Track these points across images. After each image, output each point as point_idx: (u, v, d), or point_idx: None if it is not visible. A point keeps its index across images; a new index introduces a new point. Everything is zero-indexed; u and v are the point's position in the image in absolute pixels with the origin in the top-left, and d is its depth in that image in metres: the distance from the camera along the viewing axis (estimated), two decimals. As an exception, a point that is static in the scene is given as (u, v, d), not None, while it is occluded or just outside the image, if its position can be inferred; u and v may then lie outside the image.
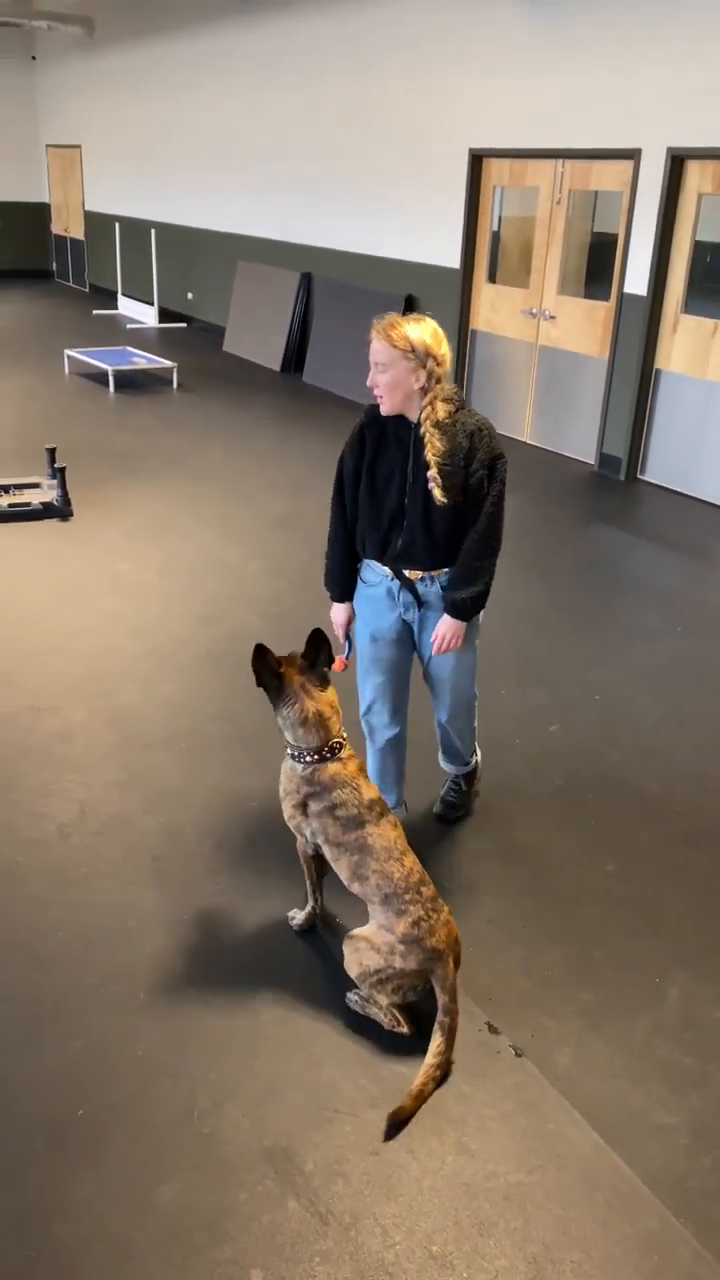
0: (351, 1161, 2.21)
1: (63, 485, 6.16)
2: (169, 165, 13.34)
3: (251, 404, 9.29)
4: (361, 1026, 2.55)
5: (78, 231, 16.47)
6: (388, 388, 2.76)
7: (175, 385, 9.79)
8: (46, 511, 6.11)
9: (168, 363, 9.90)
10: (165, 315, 13.53)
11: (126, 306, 14.14)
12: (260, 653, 2.59)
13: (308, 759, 2.62)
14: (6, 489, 6.26)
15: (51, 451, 6.36)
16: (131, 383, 9.81)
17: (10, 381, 9.63)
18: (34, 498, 6.16)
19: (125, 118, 14.27)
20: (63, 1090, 2.35)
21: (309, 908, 2.88)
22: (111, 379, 9.53)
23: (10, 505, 6.05)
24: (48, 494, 6.21)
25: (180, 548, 5.78)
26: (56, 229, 17.38)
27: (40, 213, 17.49)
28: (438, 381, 2.75)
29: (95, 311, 14.20)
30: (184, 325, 13.35)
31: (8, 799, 3.43)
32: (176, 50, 12.54)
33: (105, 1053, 2.45)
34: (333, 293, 10.30)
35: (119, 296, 14.39)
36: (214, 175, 12.30)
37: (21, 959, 2.73)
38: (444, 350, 2.74)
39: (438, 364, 2.73)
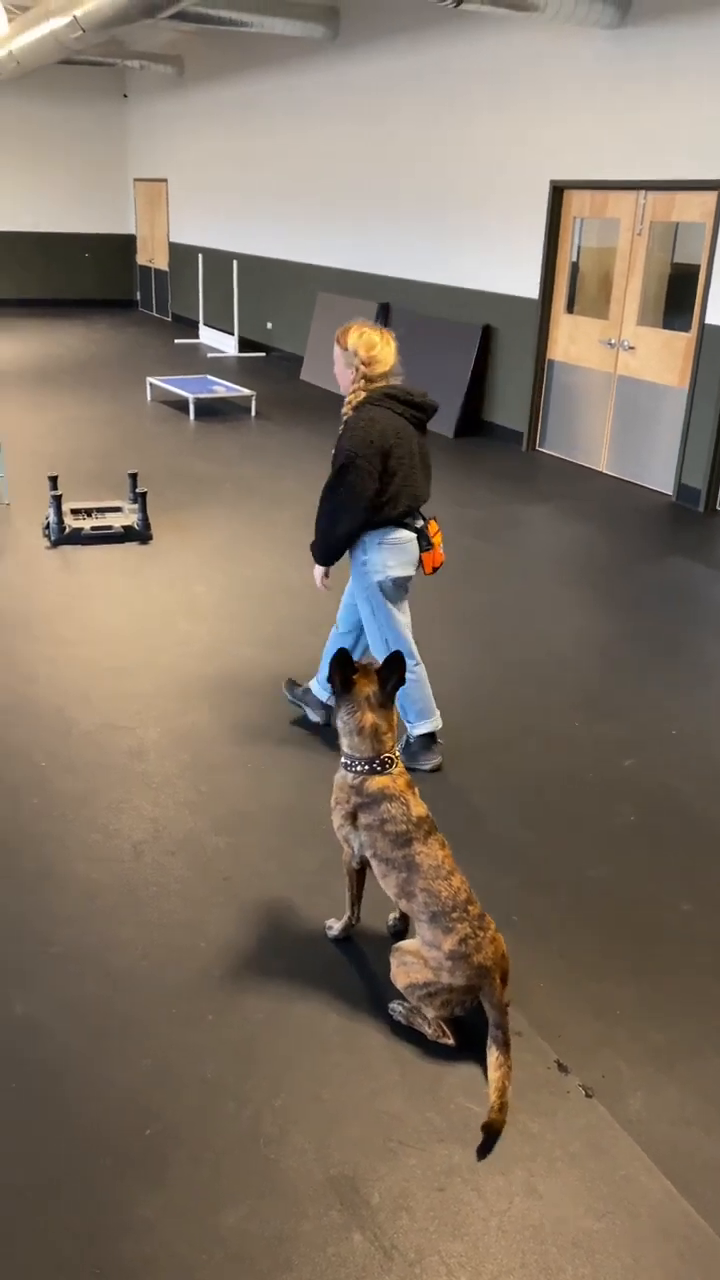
0: (417, 1196, 2.18)
1: (143, 509, 6.28)
2: (251, 197, 13.62)
3: (327, 432, 9.38)
4: (427, 1056, 2.52)
5: (162, 263, 16.89)
6: (337, 375, 3.56)
7: (253, 413, 9.94)
8: (127, 535, 6.24)
9: (246, 391, 10.06)
10: (245, 344, 13.77)
11: (207, 336, 14.42)
12: (342, 658, 2.68)
13: (359, 768, 2.68)
14: (89, 512, 6.40)
15: (133, 476, 6.50)
16: (211, 410, 9.99)
17: (95, 408, 9.88)
18: (115, 521, 6.29)
19: (210, 152, 14.63)
20: (130, 1109, 2.36)
21: (346, 918, 2.91)
22: (191, 406, 9.71)
23: (93, 528, 6.19)
24: (129, 518, 6.34)
25: (253, 572, 5.84)
26: (142, 260, 17.85)
27: (127, 244, 17.99)
28: (366, 379, 3.44)
29: (177, 340, 14.51)
30: (263, 354, 13.57)
31: (84, 815, 3.48)
32: (262, 86, 12.83)
33: (172, 1073, 2.46)
34: (410, 323, 10.38)
35: (200, 326, 14.70)
36: (295, 207, 12.52)
37: (93, 974, 2.76)
38: (375, 354, 3.41)
39: (364, 365, 3.42)
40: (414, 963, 2.54)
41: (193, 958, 2.84)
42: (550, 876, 3.27)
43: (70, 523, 6.19)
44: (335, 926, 2.93)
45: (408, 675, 3.67)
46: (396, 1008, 2.65)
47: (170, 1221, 2.11)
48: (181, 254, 16.00)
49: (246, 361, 13.11)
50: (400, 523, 3.56)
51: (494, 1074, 2.39)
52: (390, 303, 10.74)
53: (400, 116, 10.20)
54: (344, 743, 2.72)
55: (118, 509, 6.49)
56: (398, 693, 2.81)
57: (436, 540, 3.64)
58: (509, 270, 9.03)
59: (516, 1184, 2.22)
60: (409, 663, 3.67)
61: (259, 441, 8.94)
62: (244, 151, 13.63)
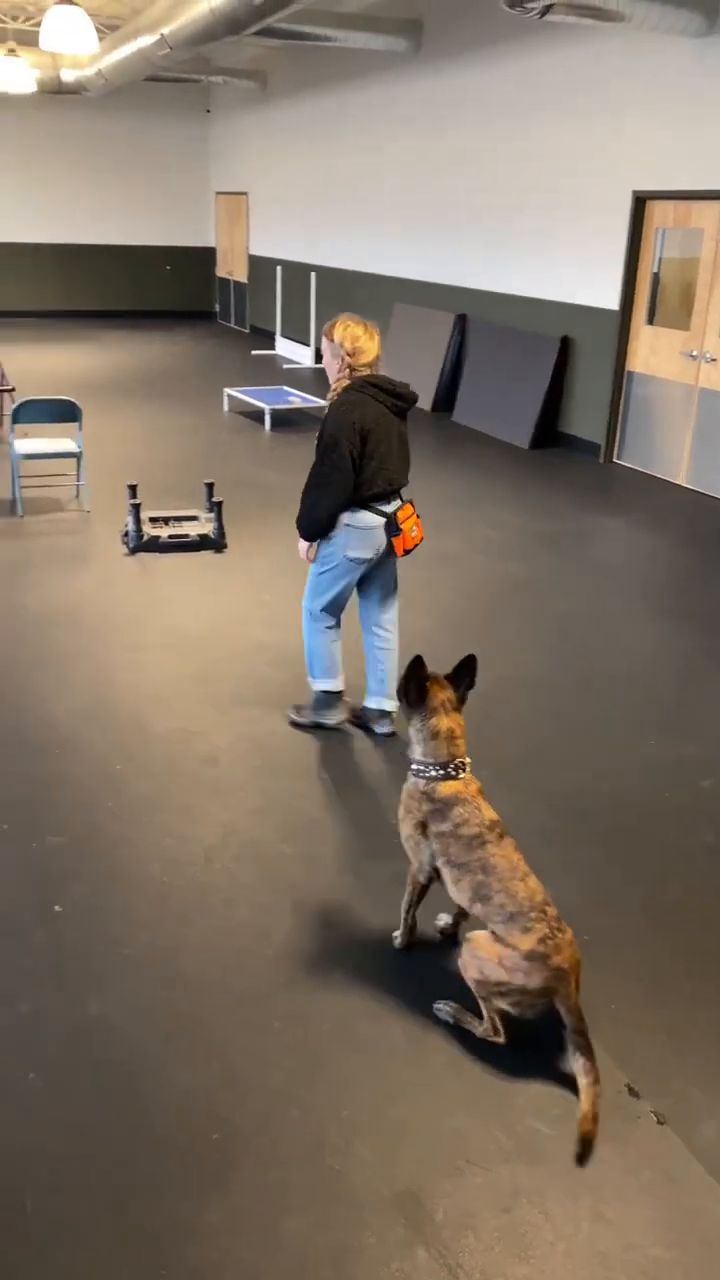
0: (483, 1216, 2.15)
1: (219, 518, 6.36)
2: (330, 210, 13.74)
3: (402, 442, 9.38)
4: (495, 1075, 2.50)
5: (241, 275, 17.12)
6: (325, 365, 3.85)
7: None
8: (203, 543, 6.32)
9: (322, 401, 10.12)
10: (320, 356, 13.88)
11: (284, 347, 14.57)
12: (417, 662, 2.70)
13: (432, 773, 2.68)
14: (167, 520, 6.50)
15: (209, 486, 6.59)
16: (286, 421, 10.08)
17: (173, 418, 10.05)
18: (192, 530, 6.38)
19: (291, 165, 14.80)
20: (197, 1113, 2.38)
21: (405, 925, 2.91)
22: (268, 417, 9.81)
23: (170, 536, 6.28)
24: (205, 526, 6.42)
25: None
26: (221, 272, 18.11)
27: (206, 257, 18.28)
28: (351, 369, 3.73)
29: (254, 352, 14.68)
30: (338, 365, 13.65)
31: (157, 819, 3.53)
32: (343, 100, 12.94)
33: (239, 1078, 2.48)
34: (487, 334, 10.35)
35: (277, 337, 14.85)
36: (373, 219, 12.59)
37: (164, 977, 2.79)
38: (359, 346, 3.73)
39: (350, 355, 3.73)
40: (488, 959, 2.52)
41: (261, 964, 2.86)
42: (622, 896, 3.21)
43: (148, 530, 6.29)
44: (400, 938, 2.93)
45: (330, 634, 4.08)
46: (443, 1008, 2.66)
47: (236, 1226, 2.12)
48: (260, 266, 16.20)
49: (322, 372, 13.19)
50: (370, 505, 3.82)
51: (582, 1080, 2.38)
52: (467, 314, 10.72)
53: (481, 128, 10.20)
54: (416, 750, 2.73)
55: (194, 517, 6.58)
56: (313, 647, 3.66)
57: (406, 525, 3.87)
58: (588, 281, 8.96)
59: (585, 1209, 2.18)
60: (329, 623, 4.07)
61: (334, 452, 8.97)
62: (324, 164, 13.76)
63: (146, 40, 10.32)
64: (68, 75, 13.89)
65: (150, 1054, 2.54)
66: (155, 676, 4.61)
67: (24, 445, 6.90)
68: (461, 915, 2.94)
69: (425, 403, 10.99)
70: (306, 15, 9.87)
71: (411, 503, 3.93)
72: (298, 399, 10.17)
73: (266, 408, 9.81)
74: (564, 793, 3.79)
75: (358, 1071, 2.51)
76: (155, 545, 6.27)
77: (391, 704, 4.11)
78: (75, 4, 8.15)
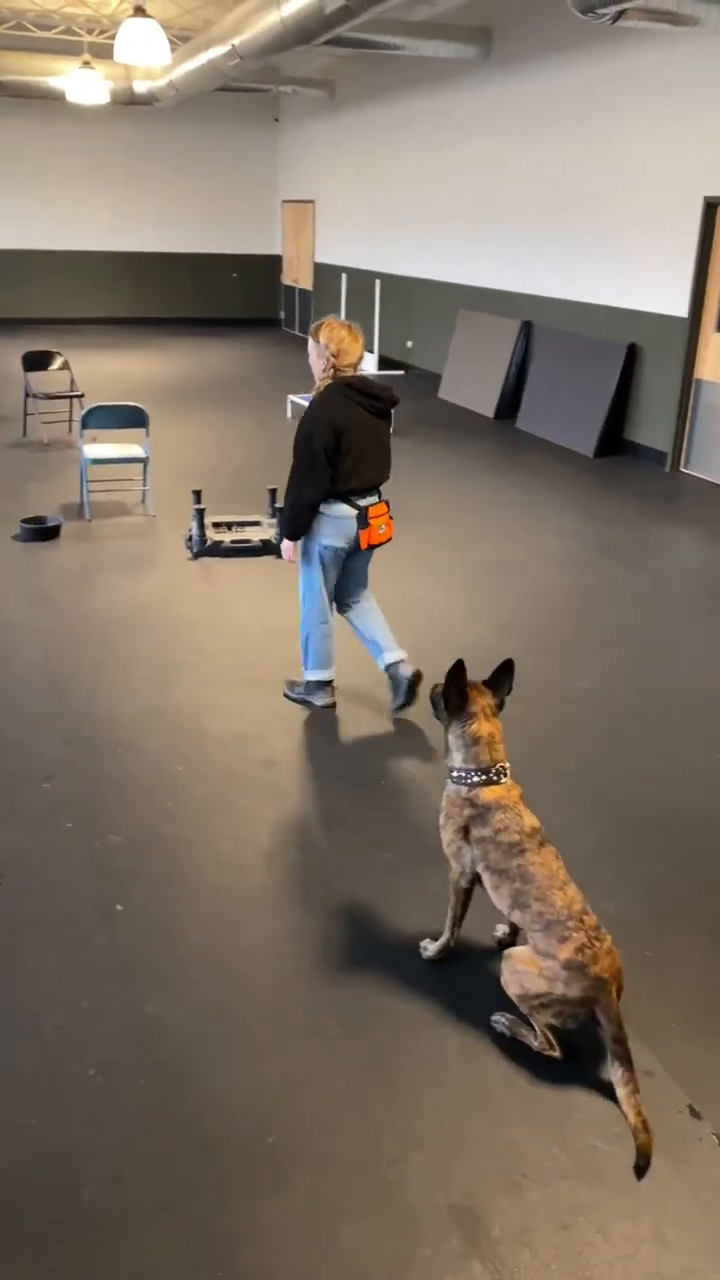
0: (539, 1232, 2.13)
1: (280, 524, 6.39)
2: (396, 217, 13.76)
3: (463, 449, 9.37)
4: (552, 1089, 2.47)
5: (306, 282, 17.23)
6: (311, 364, 4.04)
7: (390, 431, 9.99)
8: (265, 549, 6.36)
9: (385, 408, 10.12)
10: (384, 363, 13.88)
11: (347, 353, 14.60)
12: (459, 668, 2.73)
13: (474, 778, 2.68)
14: (230, 526, 6.56)
15: (272, 492, 6.63)
16: (349, 426, 10.09)
17: (237, 424, 10.14)
18: (254, 535, 6.42)
19: (357, 173, 14.86)
20: (253, 1115, 2.39)
21: (444, 939, 2.88)
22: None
23: (233, 541, 6.34)
24: (267, 532, 6.46)
25: (386, 588, 5.84)
26: (287, 280, 18.25)
27: (272, 264, 18.42)
28: (335, 369, 3.93)
29: (318, 358, 14.74)
30: (401, 372, 13.66)
31: (216, 821, 3.55)
32: (410, 107, 12.97)
33: (296, 1083, 2.48)
34: (553, 341, 10.28)
35: (341, 344, 14.89)
36: (439, 226, 12.59)
37: (220, 979, 2.81)
38: (342, 348, 3.92)
39: (334, 356, 3.92)
40: (527, 972, 2.52)
41: (317, 971, 2.86)
42: (684, 912, 3.15)
43: (211, 535, 6.35)
44: (432, 948, 2.90)
45: (322, 629, 4.28)
46: (500, 1019, 2.64)
47: (291, 1231, 2.12)
48: (325, 274, 16.28)
49: (385, 379, 13.20)
50: (346, 498, 4.03)
51: (622, 1091, 2.35)
52: (532, 320, 10.66)
53: (549, 134, 10.14)
54: (456, 756, 2.74)
55: (256, 523, 6.63)
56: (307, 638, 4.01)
57: (375, 521, 4.09)
58: (656, 288, 8.84)
59: (645, 1230, 2.14)
60: (321, 620, 4.27)
61: (395, 459, 8.97)
62: (390, 172, 13.79)
63: (218, 51, 10.45)
64: (140, 86, 14.11)
65: (206, 1055, 2.55)
66: (215, 680, 4.65)
67: (92, 450, 7.02)
68: (516, 925, 2.92)
69: (488, 409, 10.94)
70: (376, 24, 9.90)
71: (387, 503, 4.15)
72: (360, 406, 10.18)
73: (329, 414, 9.83)
74: (625, 805, 3.74)
75: (414, 1081, 2.49)
76: (218, 550, 6.33)
77: (400, 652, 4.34)
78: (149, 16, 8.27)
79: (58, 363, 9.33)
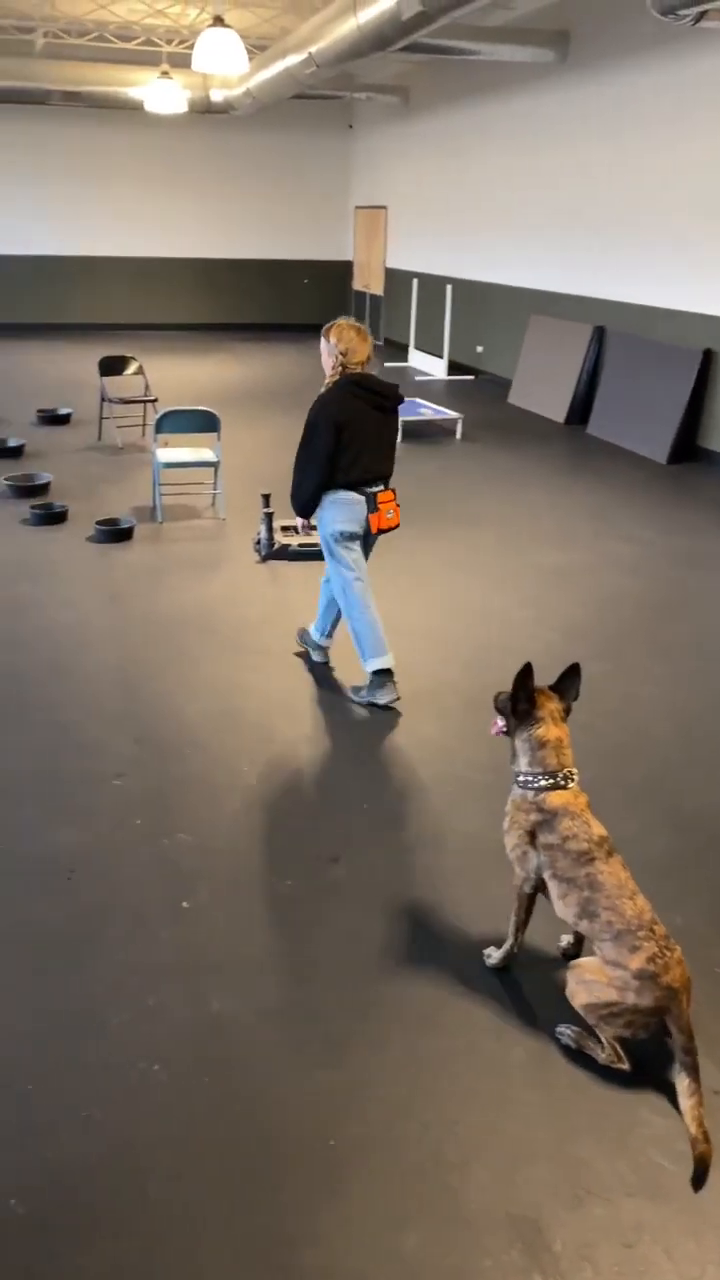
0: (602, 1249, 2.10)
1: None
2: (468, 222, 13.74)
3: (533, 455, 9.30)
4: (618, 1104, 2.43)
5: (377, 288, 17.28)
6: (323, 363, 4.31)
7: (459, 435, 9.99)
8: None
9: (453, 414, 10.12)
10: (454, 368, 13.87)
11: (417, 359, 14.62)
12: (528, 671, 2.72)
13: (541, 783, 2.67)
14: (297, 529, 6.58)
15: (341, 495, 6.65)
16: (417, 433, 10.11)
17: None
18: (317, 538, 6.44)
19: (430, 178, 14.86)
20: (315, 1117, 2.40)
21: (508, 946, 2.86)
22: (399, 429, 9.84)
23: (300, 545, 6.38)
24: (334, 535, 6.49)
25: (451, 593, 5.85)
26: (358, 285, 18.33)
27: (343, 270, 18.52)
28: (344, 367, 4.21)
29: (387, 364, 14.78)
30: (471, 377, 13.63)
31: (281, 823, 3.58)
32: (485, 112, 12.94)
33: (358, 1087, 2.48)
34: (626, 346, 10.16)
35: (411, 350, 14.92)
36: (511, 230, 12.53)
37: (285, 981, 2.83)
38: (351, 347, 4.21)
39: (343, 355, 4.21)
40: (595, 982, 2.50)
41: (383, 974, 2.86)
42: (757, 929, 3.09)
43: (279, 539, 6.40)
44: (495, 955, 2.89)
45: (365, 616, 4.43)
46: (566, 1031, 2.61)
47: (350, 1235, 2.12)
48: (396, 279, 16.31)
49: (455, 385, 13.20)
50: (350, 488, 4.27)
51: (686, 1102, 2.32)
52: (605, 325, 10.55)
53: (624, 137, 10.03)
54: (523, 760, 2.74)
55: (316, 527, 6.65)
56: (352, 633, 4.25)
57: (384, 507, 4.33)
58: (734, 292, 8.69)
59: (710, 1251, 2.10)
60: (363, 606, 4.43)
61: (462, 464, 8.97)
62: (463, 177, 13.77)
63: (294, 59, 10.55)
64: (217, 95, 14.30)
65: (268, 1055, 2.57)
66: (282, 683, 4.68)
67: (165, 454, 7.12)
68: (581, 935, 2.89)
69: (559, 414, 10.85)
70: (451, 29, 9.90)
71: (394, 490, 4.39)
72: (429, 411, 10.19)
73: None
74: (694, 817, 3.67)
75: (477, 1088, 2.48)
76: (285, 553, 6.38)
77: (387, 662, 4.44)
78: (228, 26, 8.38)
79: (132, 368, 9.49)
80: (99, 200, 16.96)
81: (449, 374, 13.74)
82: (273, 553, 6.35)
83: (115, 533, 6.60)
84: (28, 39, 13.31)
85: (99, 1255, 2.07)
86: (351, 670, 4.79)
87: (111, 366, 9.39)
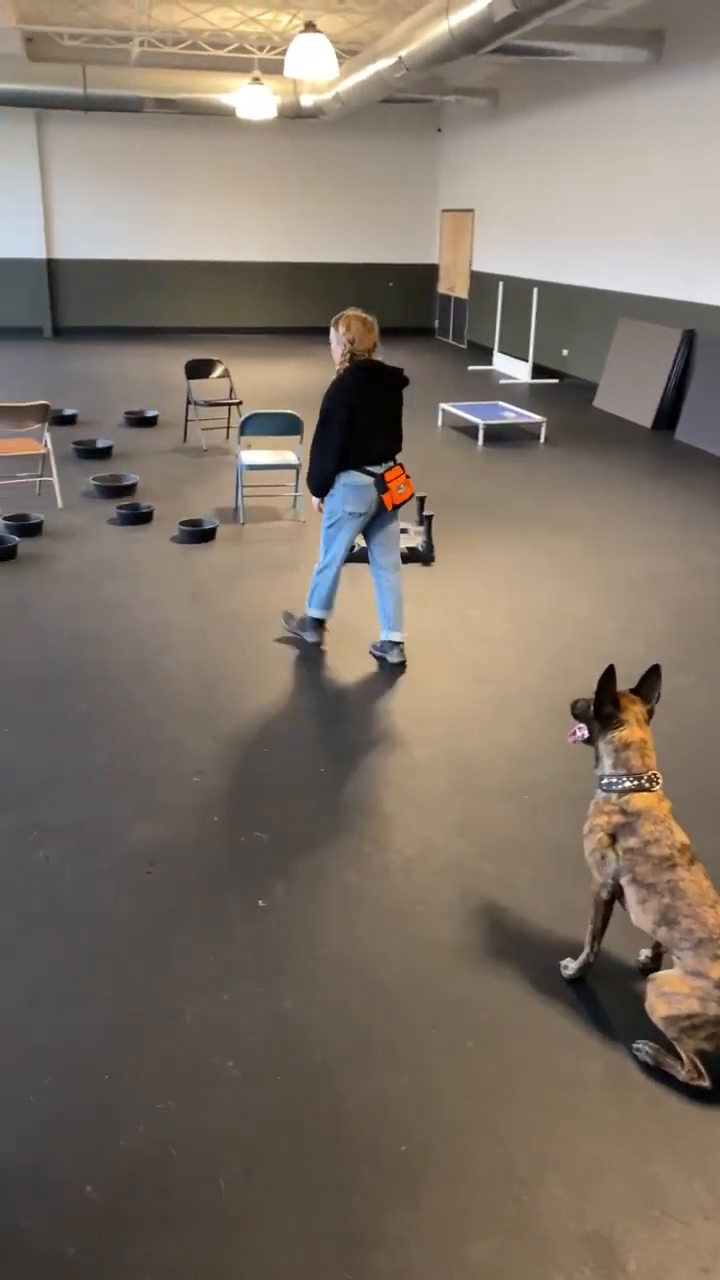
0: (677, 1273, 2.05)
1: (428, 532, 6.40)
2: (556, 225, 13.60)
3: (619, 460, 9.17)
4: (697, 1125, 2.38)
5: (462, 291, 17.22)
6: (332, 351, 4.64)
7: (542, 439, 9.90)
8: (411, 556, 6.38)
9: (537, 417, 10.03)
10: (539, 371, 13.75)
11: (501, 363, 14.53)
12: (611, 674, 2.70)
13: (625, 784, 2.65)
14: (377, 531, 6.60)
15: (421, 500, 6.65)
16: (500, 436, 10.04)
17: (388, 431, 10.19)
18: (401, 542, 6.44)
19: (518, 181, 14.76)
20: (386, 1121, 2.39)
21: (585, 956, 2.81)
22: (481, 432, 9.81)
23: (380, 547, 6.38)
24: (414, 539, 6.48)
25: (533, 599, 5.79)
26: (442, 289, 18.29)
27: (428, 274, 18.50)
28: (352, 355, 4.53)
29: (471, 367, 14.73)
30: (556, 381, 13.49)
31: (358, 825, 3.58)
32: (576, 114, 12.80)
33: (430, 1094, 2.47)
34: (717, 349, 9.94)
35: (495, 353, 14.83)
36: (600, 233, 12.37)
37: (359, 983, 2.83)
38: (361, 335, 4.53)
39: (351, 343, 4.52)
40: (676, 993, 2.45)
41: (455, 981, 2.84)
42: None
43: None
44: (571, 966, 2.85)
45: (333, 582, 4.94)
46: (643, 1048, 2.57)
47: (420, 1241, 2.11)
48: (482, 282, 16.24)
49: (539, 388, 13.08)
50: (361, 468, 4.58)
51: None
52: (695, 329, 10.34)
53: (715, 139, 9.83)
54: (606, 763, 2.72)
55: (404, 530, 6.65)
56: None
57: (394, 484, 4.63)
58: None
59: (791, 1283, 2.04)
60: (334, 577, 4.93)
61: (546, 468, 8.88)
62: (553, 179, 13.64)
63: (384, 63, 10.58)
64: (306, 100, 14.42)
65: (342, 1056, 2.57)
66: (358, 685, 4.69)
67: (249, 456, 7.20)
68: (659, 948, 2.83)
69: (645, 419, 10.68)
70: (543, 30, 9.81)
71: (401, 465, 4.69)
72: (513, 414, 10.11)
73: (481, 423, 9.81)
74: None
75: (551, 1101, 2.45)
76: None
77: (400, 635, 4.91)
78: (319, 32, 8.45)
79: (218, 371, 9.62)
80: (188, 205, 17.23)
81: (533, 377, 13.63)
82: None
83: (198, 533, 6.70)
84: (124, 48, 13.59)
85: (172, 1246, 2.10)
86: (422, 671, 4.78)
87: (197, 370, 9.53)
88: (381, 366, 4.59)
